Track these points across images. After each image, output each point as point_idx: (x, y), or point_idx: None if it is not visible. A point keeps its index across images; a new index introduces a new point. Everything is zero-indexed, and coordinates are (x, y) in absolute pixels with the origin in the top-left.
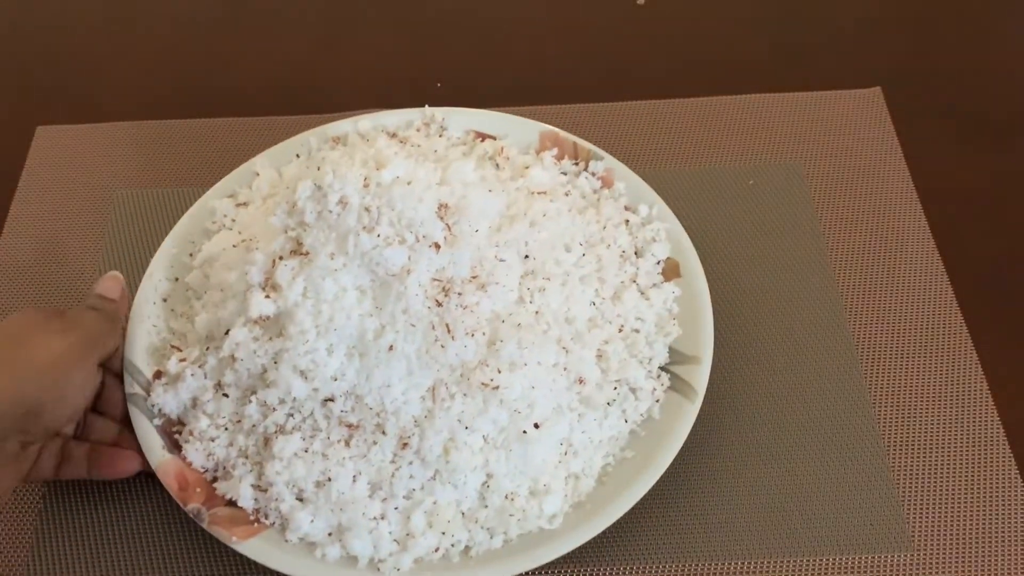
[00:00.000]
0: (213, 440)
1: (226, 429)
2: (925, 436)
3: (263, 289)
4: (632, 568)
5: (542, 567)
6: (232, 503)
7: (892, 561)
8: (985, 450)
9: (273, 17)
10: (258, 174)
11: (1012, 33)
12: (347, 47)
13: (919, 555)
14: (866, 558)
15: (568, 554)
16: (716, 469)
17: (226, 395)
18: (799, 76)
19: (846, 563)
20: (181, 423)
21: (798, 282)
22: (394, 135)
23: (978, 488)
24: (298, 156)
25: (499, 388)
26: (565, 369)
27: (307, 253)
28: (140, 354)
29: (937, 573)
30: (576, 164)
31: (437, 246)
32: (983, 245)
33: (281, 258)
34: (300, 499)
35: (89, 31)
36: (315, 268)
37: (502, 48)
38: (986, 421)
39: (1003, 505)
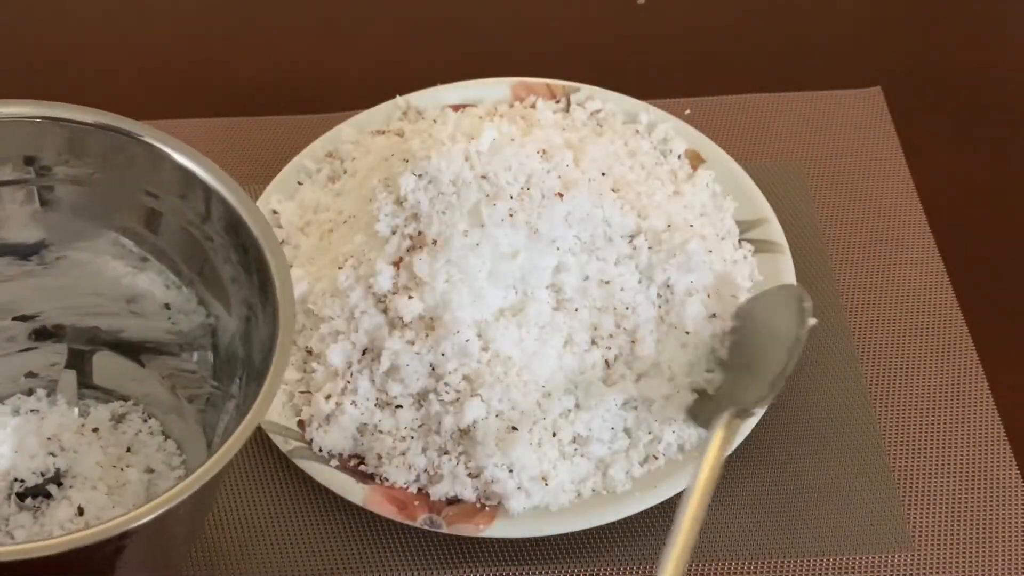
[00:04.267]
0: (404, 454)
1: (412, 438)
2: (925, 436)
3: (397, 293)
4: (632, 569)
5: (543, 566)
6: (452, 501)
7: (893, 561)
8: (986, 450)
9: (273, 17)
10: (276, 212)
11: (1013, 33)
12: (348, 47)
13: (920, 555)
14: (867, 558)
15: (569, 554)
16: None
17: (399, 407)
18: (799, 76)
19: (847, 563)
20: (354, 456)
21: (798, 281)
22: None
23: (979, 488)
24: (300, 183)
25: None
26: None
27: (435, 242)
28: (277, 410)
29: (938, 573)
30: (558, 103)
31: (559, 195)
32: (983, 245)
33: (401, 258)
34: (510, 469)
35: (89, 31)
36: (454, 250)
37: (501, 48)
38: (987, 421)
39: (1004, 505)
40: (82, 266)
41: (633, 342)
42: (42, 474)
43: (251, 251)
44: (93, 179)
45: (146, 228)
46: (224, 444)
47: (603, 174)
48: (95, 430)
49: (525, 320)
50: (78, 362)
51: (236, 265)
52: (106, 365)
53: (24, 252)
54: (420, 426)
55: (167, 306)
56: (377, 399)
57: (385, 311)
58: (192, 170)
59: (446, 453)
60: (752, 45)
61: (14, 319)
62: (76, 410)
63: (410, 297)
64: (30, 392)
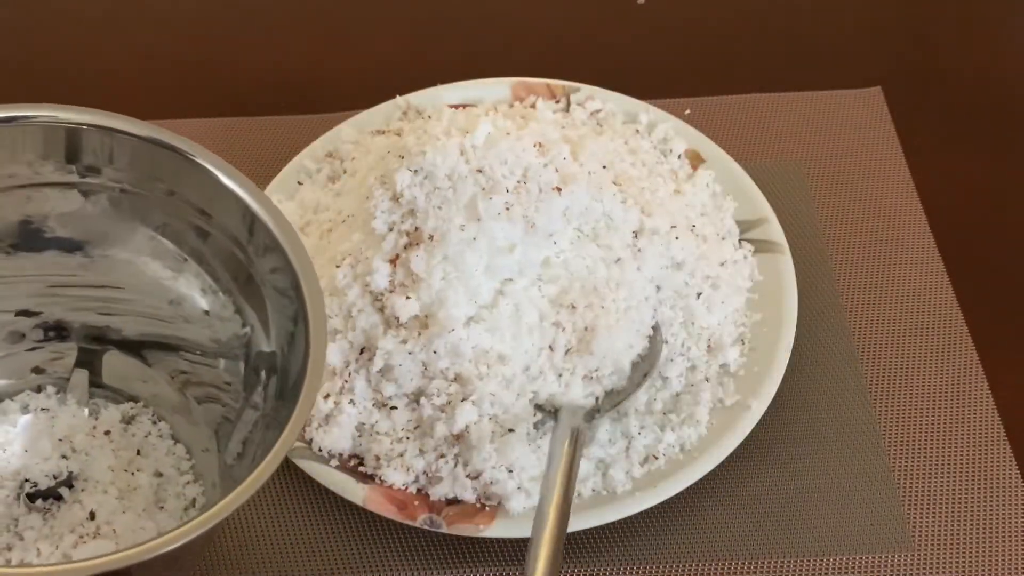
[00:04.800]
0: (402, 455)
1: (408, 439)
2: (925, 436)
3: (394, 291)
4: (631, 569)
5: None
6: (452, 501)
7: (892, 561)
8: (985, 450)
9: (273, 17)
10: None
11: (1012, 33)
12: (348, 47)
13: (919, 555)
14: (866, 558)
15: (569, 554)
16: (715, 469)
17: (394, 408)
18: (799, 76)
19: (846, 563)
20: (354, 456)
21: (798, 281)
22: (397, 133)
23: (978, 488)
24: (300, 183)
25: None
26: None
27: (432, 237)
28: None
29: (938, 573)
30: (558, 103)
31: (557, 189)
32: (983, 245)
33: (398, 255)
34: (510, 470)
35: (89, 31)
36: (451, 245)
37: (501, 48)
38: (986, 421)
39: (1004, 505)
40: (125, 265)
41: (586, 328)
42: (54, 477)
43: (287, 277)
44: (140, 188)
45: (191, 234)
46: (251, 474)
47: (604, 167)
48: (107, 433)
49: (517, 316)
50: (89, 361)
51: (273, 285)
52: (115, 364)
53: (69, 247)
54: (416, 428)
55: (206, 312)
56: (374, 399)
57: (382, 309)
58: (238, 193)
59: (442, 456)
60: (752, 45)
61: (18, 314)
62: (86, 410)
63: (407, 298)
64: (39, 389)
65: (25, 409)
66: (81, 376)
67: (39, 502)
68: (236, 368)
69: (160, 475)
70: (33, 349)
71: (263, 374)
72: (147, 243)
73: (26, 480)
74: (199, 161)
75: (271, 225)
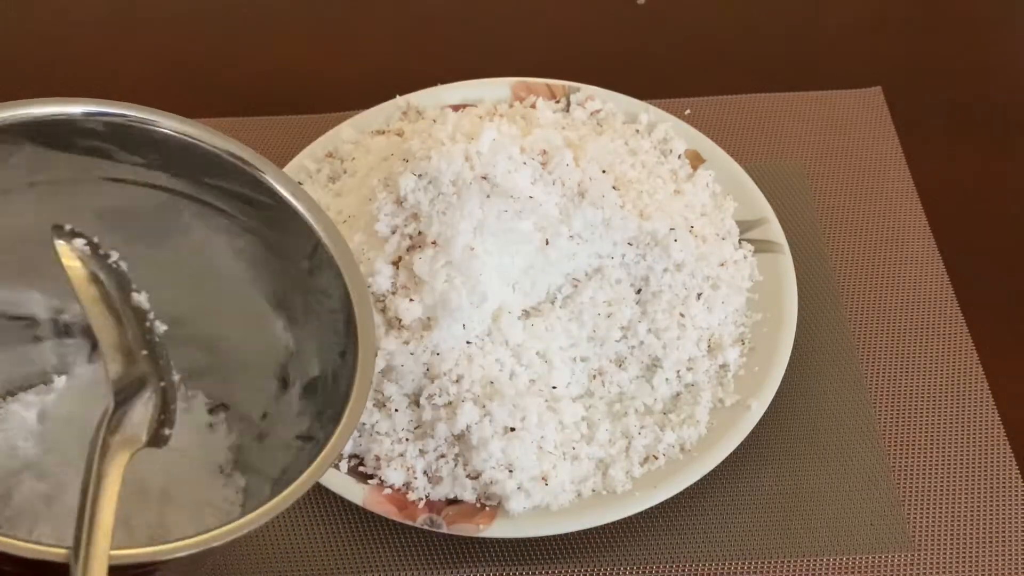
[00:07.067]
0: (402, 455)
1: (408, 439)
2: (925, 436)
3: (396, 293)
4: (631, 569)
5: (543, 566)
6: (452, 501)
7: (892, 561)
8: (986, 450)
9: (273, 17)
10: None
11: (1012, 33)
12: (348, 47)
13: (919, 555)
14: (866, 558)
15: (569, 554)
16: (715, 469)
17: (396, 410)
18: (799, 76)
19: (846, 563)
20: (354, 456)
21: (798, 281)
22: (397, 135)
23: (979, 488)
24: (300, 184)
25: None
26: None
27: (435, 242)
28: None
29: (938, 573)
30: (558, 103)
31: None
32: (983, 245)
33: (401, 258)
34: (510, 469)
35: (89, 31)
36: (455, 251)
37: (501, 48)
38: (986, 421)
39: (1004, 505)
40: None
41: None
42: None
43: (342, 302)
44: (213, 199)
45: (255, 252)
46: (289, 487)
47: (604, 171)
48: None
49: (522, 321)
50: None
51: (327, 309)
52: None
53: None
54: (416, 428)
55: (261, 328)
56: (375, 399)
57: (383, 311)
58: (309, 222)
59: (442, 456)
60: (752, 45)
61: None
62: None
63: (411, 300)
64: (47, 383)
65: (42, 404)
66: (100, 371)
67: None
68: (270, 384)
69: (173, 472)
70: (39, 341)
71: (299, 390)
72: (219, 253)
73: None
74: (274, 185)
75: (335, 255)
